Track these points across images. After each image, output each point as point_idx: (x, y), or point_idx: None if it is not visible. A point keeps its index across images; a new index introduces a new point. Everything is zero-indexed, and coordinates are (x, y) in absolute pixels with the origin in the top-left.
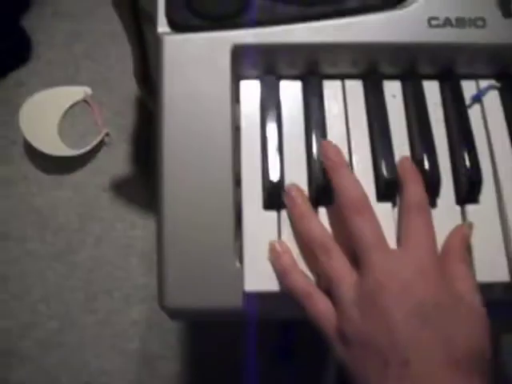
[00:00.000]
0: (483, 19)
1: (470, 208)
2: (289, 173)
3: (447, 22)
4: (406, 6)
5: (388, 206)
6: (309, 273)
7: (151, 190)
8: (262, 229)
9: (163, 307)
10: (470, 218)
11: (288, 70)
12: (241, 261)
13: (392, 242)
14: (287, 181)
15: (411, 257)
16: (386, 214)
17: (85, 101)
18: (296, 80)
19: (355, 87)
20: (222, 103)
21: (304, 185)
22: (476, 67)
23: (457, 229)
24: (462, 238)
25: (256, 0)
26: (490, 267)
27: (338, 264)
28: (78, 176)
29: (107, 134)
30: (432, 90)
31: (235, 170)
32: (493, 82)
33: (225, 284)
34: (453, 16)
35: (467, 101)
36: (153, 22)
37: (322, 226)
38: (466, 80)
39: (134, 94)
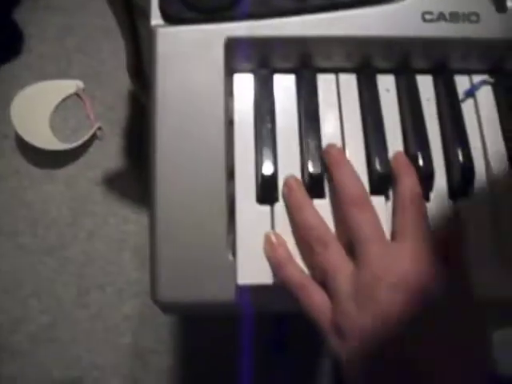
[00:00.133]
0: (477, 14)
1: (463, 202)
2: (282, 166)
3: (441, 17)
4: (400, 1)
5: (381, 199)
6: (303, 266)
7: (144, 184)
8: (256, 222)
9: (156, 301)
10: (462, 212)
11: (282, 63)
12: (234, 254)
13: (385, 235)
14: (281, 174)
15: (408, 250)
16: (378, 207)
17: (77, 94)
18: (290, 73)
19: (349, 81)
20: (215, 96)
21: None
22: (469, 62)
23: (450, 222)
24: (457, 231)
25: None
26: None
27: (335, 255)
28: (70, 170)
29: (99, 128)
30: (425, 85)
31: (228, 163)
32: (486, 76)
33: (218, 277)
34: (447, 11)
35: (460, 95)
36: (146, 17)
37: (319, 217)
38: (459, 75)
39: (126, 88)
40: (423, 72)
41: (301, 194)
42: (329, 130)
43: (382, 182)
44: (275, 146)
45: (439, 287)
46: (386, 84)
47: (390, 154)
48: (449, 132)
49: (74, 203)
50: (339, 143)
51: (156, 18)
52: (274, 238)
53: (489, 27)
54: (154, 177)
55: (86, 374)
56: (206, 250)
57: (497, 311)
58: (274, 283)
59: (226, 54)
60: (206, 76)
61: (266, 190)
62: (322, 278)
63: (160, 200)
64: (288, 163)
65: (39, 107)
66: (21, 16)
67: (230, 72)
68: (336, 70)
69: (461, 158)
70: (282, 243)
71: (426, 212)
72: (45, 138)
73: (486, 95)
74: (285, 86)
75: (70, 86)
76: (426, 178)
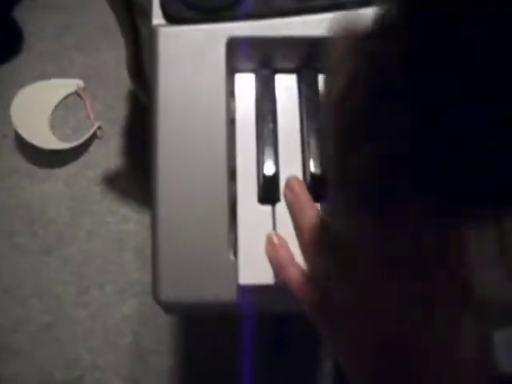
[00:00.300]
0: None
1: None
2: (284, 166)
3: None
4: None
5: None
6: (305, 267)
7: (144, 183)
8: (257, 222)
9: (158, 301)
10: None
11: (283, 63)
12: (235, 254)
13: None
14: (282, 174)
15: None
16: None
17: (77, 94)
18: (291, 73)
19: None
20: (216, 96)
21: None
22: None
23: None
24: None
25: None
26: None
27: None
28: (70, 169)
29: (99, 128)
30: None
31: (230, 163)
32: None
33: (219, 277)
34: None
35: None
36: (146, 16)
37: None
38: None
39: (126, 88)
40: None
41: (303, 195)
42: None
43: None
44: (277, 145)
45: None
46: None
47: None
48: None
49: (73, 202)
50: None
51: (157, 18)
52: (275, 239)
53: None
54: (156, 176)
55: (86, 374)
56: (207, 250)
57: (497, 311)
58: (276, 283)
59: (228, 53)
60: (208, 76)
61: (268, 190)
62: (324, 279)
63: (162, 200)
64: (289, 163)
65: (39, 106)
66: (20, 14)
67: (231, 72)
68: None
69: None
70: (284, 244)
71: None
72: (44, 137)
73: None
74: (286, 85)
75: (70, 85)
76: None
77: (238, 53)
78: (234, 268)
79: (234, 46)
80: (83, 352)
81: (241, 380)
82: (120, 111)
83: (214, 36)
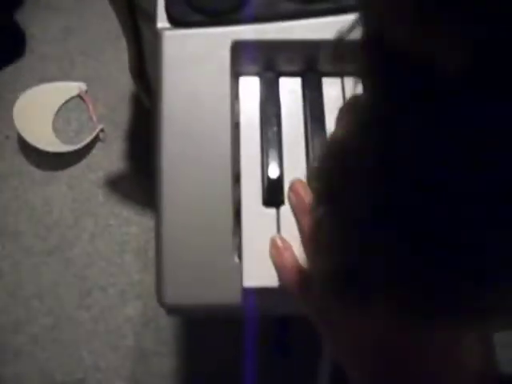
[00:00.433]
0: None
1: None
2: (288, 169)
3: None
4: None
5: None
6: (309, 269)
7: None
8: (261, 225)
9: (162, 303)
10: None
11: (287, 66)
12: (240, 257)
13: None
14: (286, 177)
15: None
16: None
17: (80, 96)
18: (296, 77)
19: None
20: (221, 99)
21: None
22: None
23: None
24: None
25: None
26: None
27: None
28: (73, 172)
29: (102, 130)
30: None
31: (234, 166)
32: None
33: (224, 280)
34: None
35: None
36: (149, 18)
37: None
38: None
39: (129, 91)
40: None
41: (307, 198)
42: None
43: None
44: (281, 148)
45: None
46: None
47: None
48: None
49: (76, 205)
50: None
51: (162, 21)
52: (279, 243)
53: None
54: (160, 179)
55: (88, 376)
56: (211, 253)
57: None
58: (280, 286)
59: (232, 57)
60: (212, 79)
61: (272, 193)
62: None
63: (166, 202)
64: (294, 166)
65: (42, 109)
66: (22, 16)
67: (235, 75)
68: (342, 74)
69: None
70: (288, 247)
71: None
72: (47, 140)
73: None
74: (290, 89)
75: (73, 88)
76: None
77: (243, 56)
78: (239, 271)
79: (239, 49)
80: (85, 354)
81: (243, 382)
82: (123, 114)
83: (218, 39)
